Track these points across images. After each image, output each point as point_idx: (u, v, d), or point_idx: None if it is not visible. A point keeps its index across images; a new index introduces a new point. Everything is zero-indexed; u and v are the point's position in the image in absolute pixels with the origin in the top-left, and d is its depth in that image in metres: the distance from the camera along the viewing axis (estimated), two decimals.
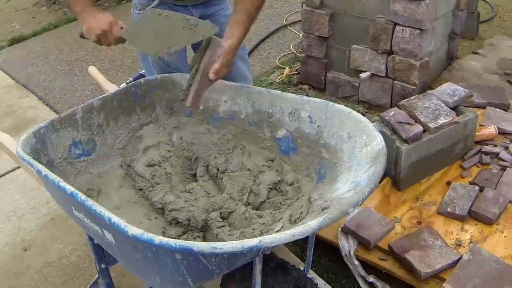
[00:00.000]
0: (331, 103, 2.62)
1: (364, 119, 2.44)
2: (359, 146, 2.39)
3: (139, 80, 3.14)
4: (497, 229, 3.23)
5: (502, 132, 3.97)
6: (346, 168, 2.40)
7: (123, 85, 5.27)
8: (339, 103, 4.77)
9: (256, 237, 2.13)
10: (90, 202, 2.17)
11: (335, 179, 2.43)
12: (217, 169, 2.82)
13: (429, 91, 3.75)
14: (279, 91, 2.85)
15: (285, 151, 2.83)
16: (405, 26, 4.40)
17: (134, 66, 5.98)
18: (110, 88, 3.38)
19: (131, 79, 5.38)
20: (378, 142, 2.28)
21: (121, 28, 2.79)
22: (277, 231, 2.34)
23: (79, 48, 6.88)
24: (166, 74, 3.17)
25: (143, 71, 5.45)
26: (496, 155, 3.74)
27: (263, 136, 2.89)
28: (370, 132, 2.36)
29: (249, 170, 2.79)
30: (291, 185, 2.69)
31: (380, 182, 3.43)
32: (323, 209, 2.18)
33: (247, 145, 2.94)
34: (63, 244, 3.86)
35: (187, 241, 1.90)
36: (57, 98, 5.80)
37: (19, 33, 7.78)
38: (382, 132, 3.37)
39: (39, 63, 6.68)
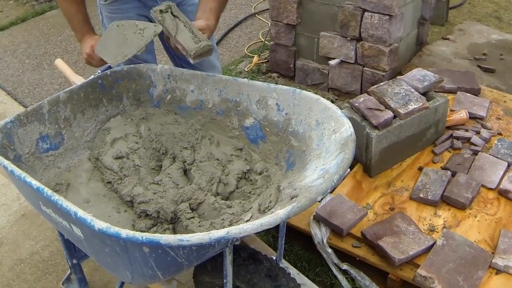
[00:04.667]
0: (298, 90, 2.60)
1: (332, 106, 2.43)
2: (327, 133, 2.38)
3: (105, 71, 3.10)
4: (470, 213, 3.24)
5: (473, 117, 3.98)
6: (315, 156, 2.39)
7: (91, 77, 5.24)
8: (308, 91, 4.80)
9: (226, 227, 2.11)
10: (56, 197, 2.15)
11: (304, 166, 2.42)
12: (184, 161, 2.79)
13: (399, 77, 3.74)
14: (246, 79, 2.82)
15: (253, 140, 2.81)
16: (374, 12, 4.37)
17: None
18: (77, 80, 3.32)
19: (99, 71, 5.31)
20: (346, 128, 2.27)
21: None
22: (247, 221, 2.33)
23: (47, 41, 6.81)
24: (132, 65, 3.14)
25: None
26: (468, 139, 3.74)
27: (231, 125, 2.87)
28: (338, 119, 2.35)
29: (217, 160, 2.77)
30: (260, 174, 2.68)
31: (351, 169, 3.47)
32: (291, 198, 2.17)
33: (215, 134, 2.93)
34: (35, 241, 3.82)
35: (154, 234, 1.88)
36: (25, 92, 5.72)
37: None
38: (352, 119, 3.38)
39: (7, 57, 6.59)
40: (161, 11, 2.76)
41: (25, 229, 3.92)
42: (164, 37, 3.04)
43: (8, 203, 4.16)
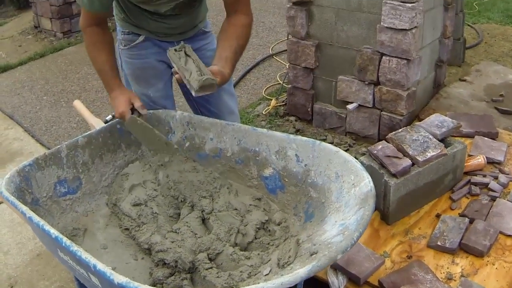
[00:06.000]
0: (318, 141, 2.60)
1: (351, 159, 2.42)
2: (347, 186, 2.37)
3: None
4: (488, 261, 3.20)
5: (491, 162, 3.95)
6: (335, 209, 2.38)
7: (109, 117, 5.26)
8: (326, 135, 4.80)
9: (244, 280, 2.10)
10: (75, 247, 2.14)
11: (323, 219, 2.41)
12: (203, 210, 2.79)
13: (417, 123, 3.73)
14: (265, 130, 2.84)
15: (272, 190, 2.81)
16: (392, 56, 4.38)
17: None
18: (95, 123, 3.34)
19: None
20: (366, 183, 2.27)
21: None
22: (265, 275, 2.32)
23: (65, 78, 6.85)
24: (151, 111, 3.15)
25: None
26: (486, 185, 3.71)
27: (250, 175, 2.87)
28: (358, 172, 2.34)
29: (236, 209, 2.76)
30: (279, 224, 2.67)
31: None
32: (311, 254, 2.15)
33: (234, 183, 2.92)
34: (50, 281, 3.80)
35: None
36: (43, 130, 5.75)
37: (5, 61, 7.74)
38: (370, 167, 3.36)
39: (25, 93, 6.64)
40: (175, 50, 2.80)
41: (40, 269, 3.91)
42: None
43: (23, 242, 4.15)
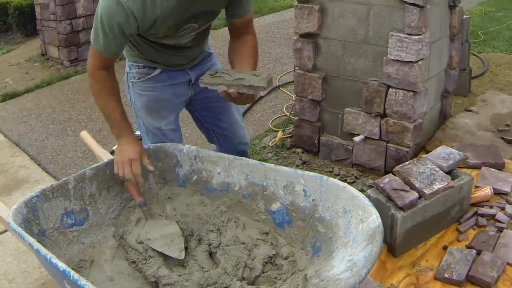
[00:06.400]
0: (325, 177, 2.61)
1: (359, 194, 2.43)
2: (355, 221, 2.37)
3: None
4: None
5: (497, 193, 3.95)
6: (342, 244, 2.38)
7: (116, 146, 5.28)
8: (332, 167, 4.80)
9: None
10: (83, 281, 2.14)
11: (331, 254, 2.41)
12: (210, 244, 2.79)
13: (423, 156, 3.74)
14: (272, 165, 2.85)
15: (279, 224, 2.81)
16: (398, 88, 4.39)
17: None
18: (102, 154, 3.36)
19: None
20: (374, 219, 2.27)
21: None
22: None
23: (71, 107, 6.88)
24: (159, 144, 3.16)
25: (137, 133, 5.48)
26: (493, 216, 3.70)
27: (257, 209, 2.88)
28: (366, 208, 2.35)
29: (243, 243, 2.76)
30: (286, 259, 2.67)
31: None
32: None
33: (241, 217, 2.93)
34: None
35: None
36: (49, 158, 5.76)
37: (12, 88, 7.79)
38: (377, 200, 3.36)
39: (32, 121, 6.67)
40: (210, 75, 2.79)
41: None
42: (193, 108, 3.37)
43: (28, 271, 4.15)
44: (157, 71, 3.28)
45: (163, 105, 3.38)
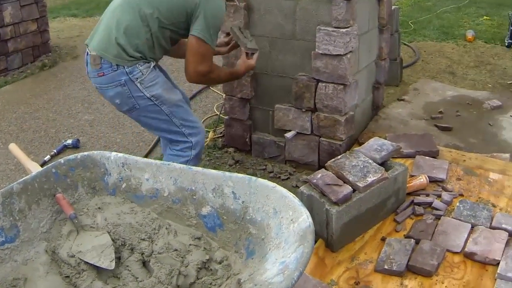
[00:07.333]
0: (254, 178, 2.59)
1: (289, 194, 2.41)
2: (286, 222, 2.35)
3: (59, 160, 3.04)
4: (437, 280, 3.20)
5: (433, 180, 3.98)
6: (275, 245, 2.35)
7: (48, 157, 5.19)
8: (266, 164, 4.78)
9: None
10: None
11: (264, 256, 2.38)
12: (143, 253, 2.74)
13: (356, 149, 3.73)
14: (200, 168, 2.82)
15: (211, 228, 2.77)
16: (328, 82, 4.39)
17: (58, 136, 5.83)
18: (32, 167, 3.26)
19: (55, 151, 5.29)
20: (304, 218, 2.24)
21: None
22: None
23: (2, 119, 6.70)
24: (86, 153, 3.09)
25: (68, 141, 5.41)
26: (429, 204, 3.74)
27: (188, 214, 2.83)
28: (296, 208, 2.32)
29: (176, 250, 2.71)
30: (220, 263, 2.63)
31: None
32: None
33: (172, 223, 2.87)
34: None
35: None
36: None
37: None
38: (310, 196, 3.35)
39: None
40: (239, 28, 4.37)
41: None
42: None
43: None
44: (153, 63, 3.78)
45: (169, 83, 3.94)
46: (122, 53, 3.62)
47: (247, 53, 4.21)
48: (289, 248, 2.22)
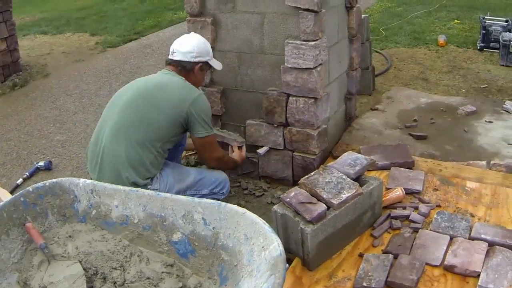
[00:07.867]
0: (223, 203, 2.57)
1: (259, 220, 2.38)
2: (257, 249, 2.32)
3: (27, 188, 3.00)
4: None
5: (410, 192, 3.94)
6: (247, 273, 2.33)
7: (20, 180, 5.12)
8: (239, 181, 4.74)
9: None
10: None
11: (237, 283, 2.37)
12: (115, 282, 2.69)
13: (329, 164, 3.69)
14: (169, 194, 2.79)
15: (183, 254, 2.74)
16: (299, 96, 4.35)
17: (30, 158, 5.76)
18: (1, 194, 3.21)
19: (27, 173, 5.22)
20: (275, 246, 2.22)
21: None
22: None
23: None
24: (54, 180, 3.05)
25: (40, 164, 5.33)
26: (407, 217, 3.68)
27: (159, 240, 2.81)
28: (266, 235, 2.30)
29: (148, 278, 2.69)
30: None
31: (289, 264, 3.38)
32: None
33: (144, 250, 2.84)
34: None
35: None
36: None
37: None
38: (284, 215, 3.30)
39: None
40: (218, 129, 4.67)
41: None
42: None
43: None
44: (159, 171, 3.98)
45: (176, 170, 4.11)
46: (135, 186, 3.67)
47: (239, 147, 4.56)
48: (261, 277, 2.19)
